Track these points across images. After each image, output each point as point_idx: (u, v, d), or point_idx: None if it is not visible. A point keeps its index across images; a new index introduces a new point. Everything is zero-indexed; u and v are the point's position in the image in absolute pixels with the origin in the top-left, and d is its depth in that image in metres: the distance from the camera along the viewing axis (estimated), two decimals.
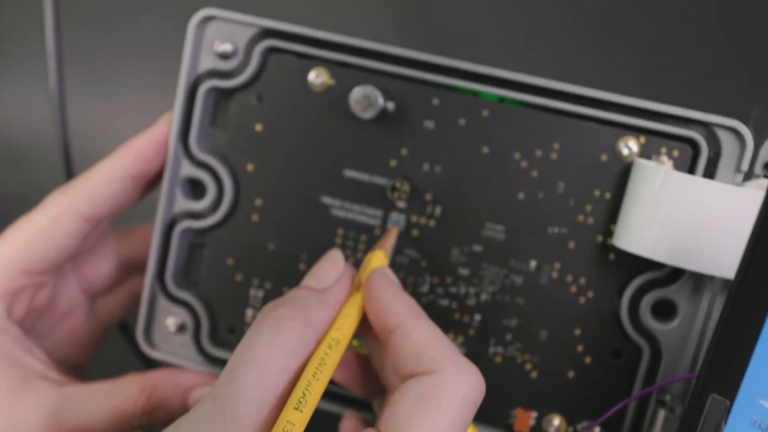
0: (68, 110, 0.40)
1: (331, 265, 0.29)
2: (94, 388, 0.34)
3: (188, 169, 0.36)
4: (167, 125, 0.35)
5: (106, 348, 0.44)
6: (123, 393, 0.34)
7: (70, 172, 0.40)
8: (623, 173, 0.32)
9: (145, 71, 0.55)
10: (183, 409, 0.35)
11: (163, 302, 0.37)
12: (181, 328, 0.37)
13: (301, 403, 0.24)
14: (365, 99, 0.33)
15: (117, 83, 0.55)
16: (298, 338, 0.25)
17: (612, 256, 0.33)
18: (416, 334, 0.26)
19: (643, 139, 0.32)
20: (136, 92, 0.55)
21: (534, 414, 0.34)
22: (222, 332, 0.36)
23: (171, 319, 0.36)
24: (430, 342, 0.26)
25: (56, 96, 0.39)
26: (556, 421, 0.34)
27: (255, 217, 0.35)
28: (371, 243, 0.35)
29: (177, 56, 0.46)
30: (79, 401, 0.33)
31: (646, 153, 0.32)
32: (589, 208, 0.33)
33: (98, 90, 0.55)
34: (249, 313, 0.36)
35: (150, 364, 0.39)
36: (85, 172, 0.35)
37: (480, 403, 0.26)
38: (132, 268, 0.40)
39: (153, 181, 0.36)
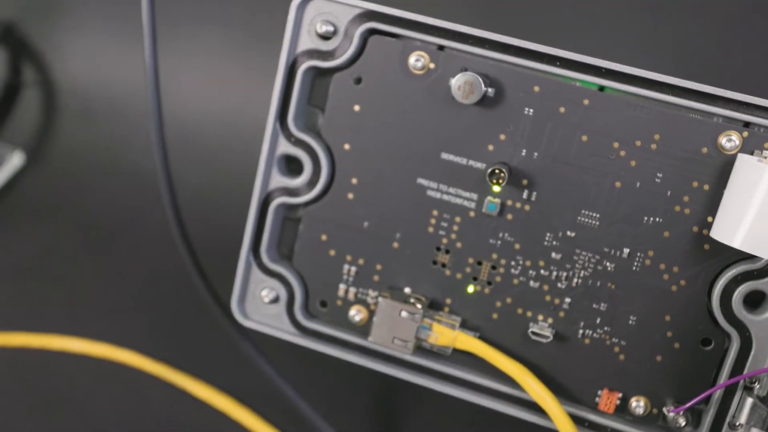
0: (161, 81, 0.41)
1: None
2: None
3: (285, 147, 0.36)
4: None
5: (199, 318, 0.45)
6: None
7: (162, 136, 0.41)
8: (724, 166, 0.32)
9: (236, 45, 0.54)
10: None
11: (257, 275, 0.38)
12: (275, 300, 0.38)
13: None
14: (468, 86, 0.33)
15: (210, 55, 0.55)
16: None
17: (707, 247, 0.33)
18: None
19: (746, 133, 0.32)
20: (228, 65, 0.55)
21: (619, 395, 0.35)
22: (315, 305, 0.37)
23: (265, 291, 0.38)
24: None
25: (150, 65, 0.40)
26: (642, 402, 0.35)
27: (350, 196, 0.36)
28: (465, 225, 0.35)
29: (268, 32, 0.46)
30: None
31: (748, 147, 0.32)
32: (686, 199, 0.33)
33: (191, 61, 0.55)
34: (342, 287, 0.37)
35: (243, 332, 0.41)
36: None
37: None
38: None
39: None
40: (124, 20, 0.60)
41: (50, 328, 0.50)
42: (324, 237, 0.37)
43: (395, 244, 0.36)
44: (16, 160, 0.60)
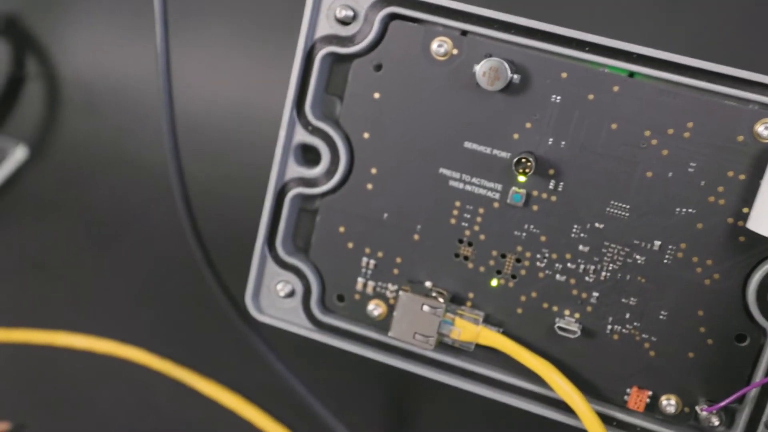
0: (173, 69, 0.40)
1: None
2: None
3: (302, 136, 0.35)
4: None
5: (206, 314, 0.44)
6: None
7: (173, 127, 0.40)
8: (760, 155, 0.31)
9: (251, 32, 0.54)
10: None
11: (272, 268, 0.37)
12: (290, 294, 0.37)
13: None
14: (493, 72, 0.32)
15: (220, 45, 0.54)
16: None
17: (742, 239, 0.32)
18: None
19: None
20: (239, 55, 0.54)
21: (649, 393, 0.34)
22: (332, 299, 0.36)
23: (281, 284, 0.36)
24: None
25: (162, 54, 0.39)
26: (673, 400, 0.34)
27: (369, 186, 0.35)
28: (489, 216, 0.34)
29: (281, 20, 0.45)
30: None
31: None
32: (721, 189, 0.32)
33: (201, 52, 0.54)
34: (360, 281, 0.36)
35: (254, 328, 0.40)
36: None
37: None
38: None
39: None
40: (130, 11, 0.59)
41: (54, 324, 0.49)
42: (342, 229, 0.36)
43: (416, 237, 0.35)
44: (19, 154, 0.60)
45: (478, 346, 0.35)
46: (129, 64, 0.59)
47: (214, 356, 0.49)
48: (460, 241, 0.35)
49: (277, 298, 0.37)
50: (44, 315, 0.51)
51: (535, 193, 0.34)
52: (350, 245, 0.36)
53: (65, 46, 0.61)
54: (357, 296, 0.36)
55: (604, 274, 0.34)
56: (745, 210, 0.32)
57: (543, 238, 0.34)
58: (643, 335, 0.34)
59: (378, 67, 0.34)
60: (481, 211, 0.34)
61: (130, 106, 0.59)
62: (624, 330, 0.34)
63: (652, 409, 0.34)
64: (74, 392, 0.50)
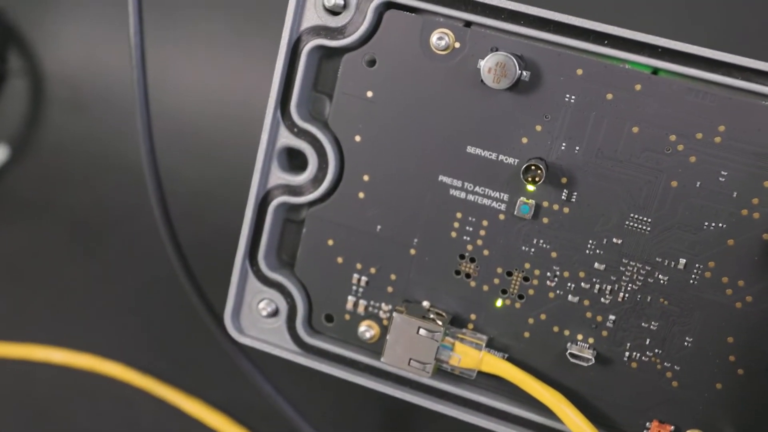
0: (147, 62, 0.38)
1: None
2: None
3: (287, 138, 0.32)
4: None
5: (193, 327, 0.42)
6: None
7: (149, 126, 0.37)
8: None
9: (230, 23, 0.52)
10: None
11: (254, 284, 0.34)
12: (274, 313, 0.34)
13: None
14: (500, 68, 0.29)
15: (207, 41, 0.52)
16: None
17: None
18: None
19: None
20: (217, 45, 0.52)
21: (671, 428, 0.31)
22: (319, 319, 0.34)
23: (263, 303, 0.34)
24: None
25: (136, 46, 0.36)
26: None
27: (361, 195, 0.32)
28: (494, 230, 0.31)
29: (269, 13, 0.43)
30: None
31: None
32: (755, 201, 0.29)
33: (178, 40, 0.52)
34: (350, 300, 0.33)
35: (239, 346, 0.37)
36: None
37: None
38: None
39: None
40: (117, 6, 0.57)
41: (31, 336, 0.48)
42: (330, 242, 0.33)
43: (412, 251, 0.32)
44: (0, 154, 0.58)
45: (481, 374, 0.32)
46: (117, 59, 0.58)
47: (201, 372, 0.47)
48: (462, 257, 0.32)
49: (259, 317, 0.34)
50: (20, 325, 0.49)
51: (545, 203, 0.31)
52: (340, 260, 0.33)
53: (51, 41, 0.60)
54: (347, 316, 0.33)
55: (621, 294, 0.31)
56: None
57: (554, 255, 0.31)
58: (665, 363, 0.31)
59: (371, 63, 0.31)
60: (485, 223, 0.31)
61: (119, 105, 0.58)
62: (644, 357, 0.31)
63: None
64: (51, 410, 0.48)
